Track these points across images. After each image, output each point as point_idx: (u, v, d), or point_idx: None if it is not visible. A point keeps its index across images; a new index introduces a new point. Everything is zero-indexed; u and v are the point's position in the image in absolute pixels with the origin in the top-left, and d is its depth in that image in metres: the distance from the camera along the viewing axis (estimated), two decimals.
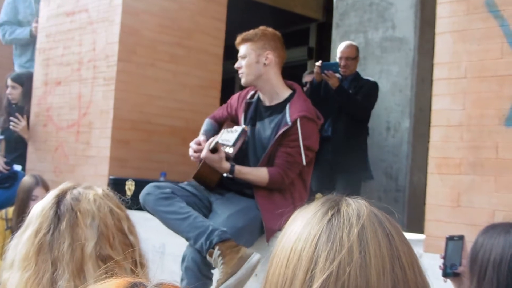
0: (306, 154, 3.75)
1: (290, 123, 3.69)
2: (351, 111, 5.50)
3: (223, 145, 3.65)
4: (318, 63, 5.34)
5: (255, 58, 3.83)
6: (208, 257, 3.37)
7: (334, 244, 1.00)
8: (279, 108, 3.84)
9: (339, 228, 1.02)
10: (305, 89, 6.18)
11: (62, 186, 1.62)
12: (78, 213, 1.52)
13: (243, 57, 3.86)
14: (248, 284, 3.83)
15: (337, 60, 5.65)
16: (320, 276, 0.98)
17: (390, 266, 0.99)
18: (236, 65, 3.90)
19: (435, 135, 3.34)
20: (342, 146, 5.49)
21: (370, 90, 5.61)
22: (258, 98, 3.98)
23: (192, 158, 3.80)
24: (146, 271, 1.58)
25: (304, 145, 3.71)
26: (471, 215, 3.14)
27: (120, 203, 1.64)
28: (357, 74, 5.75)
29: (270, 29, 3.93)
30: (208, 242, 3.37)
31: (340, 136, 5.50)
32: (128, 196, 4.61)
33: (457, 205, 3.20)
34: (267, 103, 3.92)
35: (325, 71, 5.26)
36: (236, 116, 4.04)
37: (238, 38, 3.91)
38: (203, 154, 3.69)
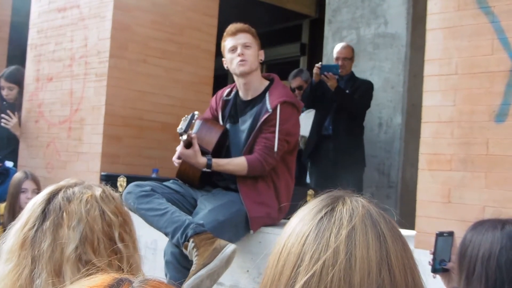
0: (286, 139, 3.76)
1: (270, 110, 3.71)
2: (350, 110, 5.61)
3: (180, 134, 3.63)
4: (318, 65, 5.45)
5: (256, 52, 3.86)
6: (184, 250, 3.40)
7: (321, 244, 1.00)
8: (259, 98, 3.85)
9: (328, 228, 1.01)
10: (296, 93, 6.22)
11: (62, 183, 1.58)
12: (65, 214, 1.49)
13: (248, 46, 3.84)
14: (239, 279, 3.84)
15: (334, 60, 5.75)
16: (303, 275, 0.98)
17: (377, 270, 0.98)
18: (240, 51, 3.82)
19: (426, 131, 3.34)
20: (343, 143, 5.57)
21: (367, 90, 5.77)
22: (236, 95, 3.98)
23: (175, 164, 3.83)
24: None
25: (282, 129, 3.71)
26: (462, 211, 3.15)
27: (121, 208, 1.58)
28: (353, 74, 5.89)
29: None
30: (183, 236, 3.40)
31: (341, 134, 5.61)
32: (120, 192, 4.61)
33: (448, 201, 3.21)
34: (248, 97, 3.92)
35: (325, 73, 5.36)
36: (217, 116, 4.04)
37: (240, 26, 3.87)
38: (178, 151, 3.73)
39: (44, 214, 1.50)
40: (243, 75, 3.85)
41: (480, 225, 1.90)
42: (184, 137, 3.60)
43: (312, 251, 1.00)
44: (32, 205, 1.52)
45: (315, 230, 1.02)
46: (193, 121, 3.62)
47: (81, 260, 1.45)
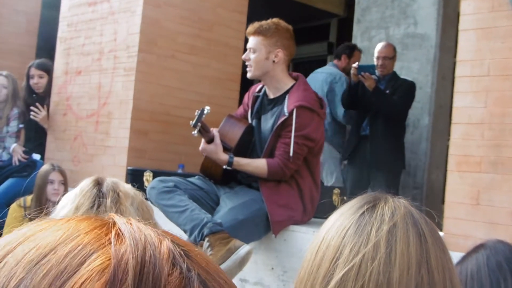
0: (305, 144, 3.70)
1: (287, 114, 3.67)
2: (388, 111, 5.51)
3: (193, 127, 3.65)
4: (355, 65, 5.38)
5: (265, 55, 3.79)
6: (199, 248, 3.40)
7: (361, 237, 1.00)
8: (280, 99, 3.82)
9: (370, 223, 1.02)
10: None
11: (91, 178, 1.67)
12: (120, 193, 1.59)
13: (253, 51, 3.81)
14: (264, 276, 3.83)
15: (375, 60, 5.68)
16: (342, 268, 0.99)
17: (417, 268, 0.98)
18: (244, 57, 3.86)
19: (456, 132, 3.31)
20: (381, 145, 5.50)
21: (407, 90, 5.63)
22: (264, 91, 3.97)
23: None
24: None
25: (300, 135, 3.65)
26: (490, 213, 3.12)
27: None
28: (394, 73, 5.76)
29: (283, 24, 3.86)
30: (200, 234, 3.42)
31: (378, 135, 5.52)
32: (145, 187, 4.62)
33: (476, 203, 3.18)
34: (271, 95, 3.90)
35: (362, 73, 5.31)
36: (247, 111, 4.04)
37: (251, 28, 3.84)
38: (200, 146, 3.74)
39: (102, 193, 1.58)
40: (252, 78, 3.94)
41: (461, 259, 1.84)
42: (195, 131, 3.61)
43: (352, 244, 1.00)
44: (80, 191, 1.59)
45: (356, 224, 1.03)
46: (203, 115, 3.62)
47: None
